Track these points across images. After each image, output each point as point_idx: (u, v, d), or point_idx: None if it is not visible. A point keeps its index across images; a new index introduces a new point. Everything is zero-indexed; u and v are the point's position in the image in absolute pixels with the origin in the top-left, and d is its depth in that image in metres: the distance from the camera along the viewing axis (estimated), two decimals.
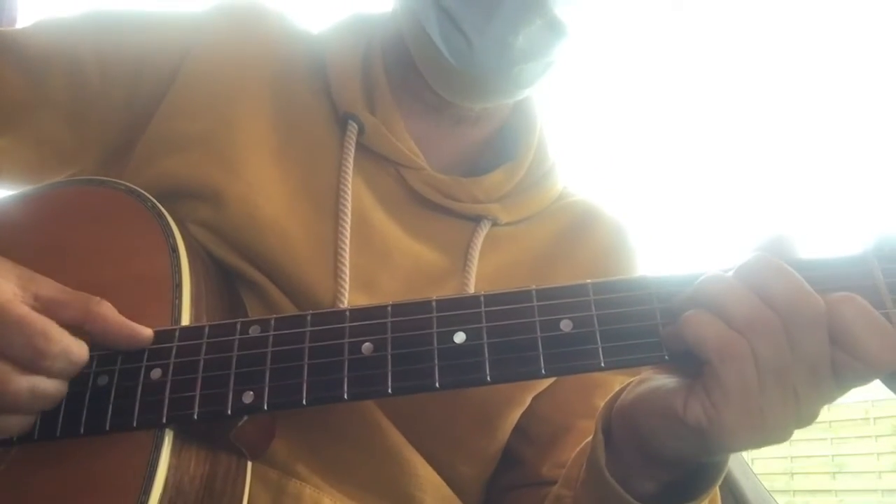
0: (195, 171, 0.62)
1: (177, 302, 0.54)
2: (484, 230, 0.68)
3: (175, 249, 0.57)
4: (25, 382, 0.47)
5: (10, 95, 0.66)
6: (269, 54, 0.71)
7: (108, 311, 0.51)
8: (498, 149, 0.75)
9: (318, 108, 0.69)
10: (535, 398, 0.67)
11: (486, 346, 0.48)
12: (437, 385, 0.47)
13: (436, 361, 0.48)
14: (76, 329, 0.50)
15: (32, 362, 0.47)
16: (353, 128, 0.67)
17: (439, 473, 0.62)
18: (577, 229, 0.73)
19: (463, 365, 0.48)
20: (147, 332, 0.51)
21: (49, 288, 0.51)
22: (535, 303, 0.49)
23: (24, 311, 0.47)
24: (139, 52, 0.68)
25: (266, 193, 0.62)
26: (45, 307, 0.49)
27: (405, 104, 0.70)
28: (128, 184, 0.61)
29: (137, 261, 0.57)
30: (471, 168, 0.73)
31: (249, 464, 0.58)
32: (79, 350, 0.49)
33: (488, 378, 0.47)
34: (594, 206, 0.76)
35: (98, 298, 0.51)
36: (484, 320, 0.49)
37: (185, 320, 0.54)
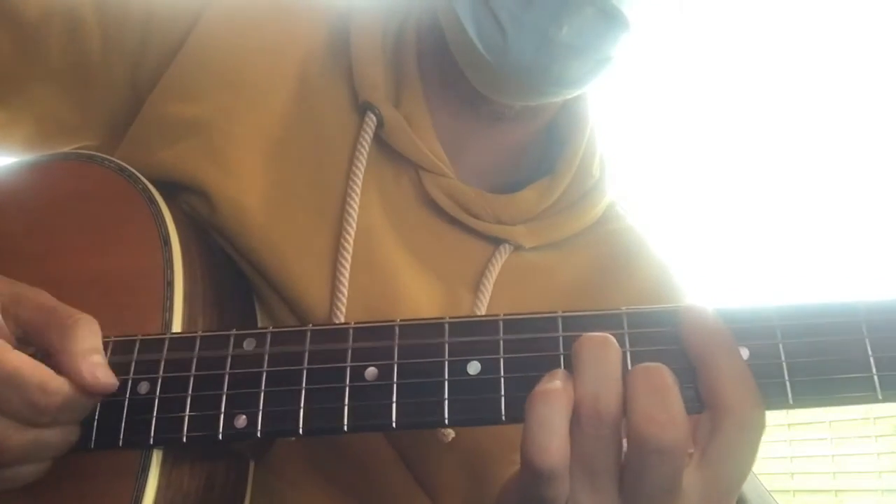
0: (187, 163, 0.56)
1: (168, 302, 0.50)
2: (502, 257, 0.60)
3: (167, 241, 0.52)
4: (28, 436, 0.42)
5: (3, 65, 0.59)
6: (291, 29, 0.62)
7: (80, 347, 0.43)
8: (538, 158, 0.65)
9: (338, 95, 0.61)
10: None
11: (502, 380, 0.43)
12: (446, 422, 0.43)
13: (446, 395, 0.43)
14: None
15: (32, 419, 0.42)
16: (371, 119, 0.59)
17: None
18: (615, 266, 0.63)
19: (476, 401, 0.43)
20: (109, 385, 0.44)
21: (29, 309, 0.45)
22: (560, 333, 0.43)
23: (16, 362, 0.42)
24: (145, 16, 0.61)
25: (260, 196, 0.56)
26: (24, 334, 0.44)
27: (436, 97, 0.61)
28: (118, 161, 0.56)
29: (126, 251, 0.52)
30: (503, 180, 0.64)
31: (252, 464, 0.55)
32: (82, 398, 0.44)
33: (503, 418, 0.42)
34: (637, 239, 0.66)
35: (76, 319, 0.44)
36: (501, 350, 0.43)
37: (177, 323, 0.49)
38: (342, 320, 0.54)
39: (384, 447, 0.56)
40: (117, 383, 0.45)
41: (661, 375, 0.39)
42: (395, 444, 0.56)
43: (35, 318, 0.45)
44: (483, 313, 0.57)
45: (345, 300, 0.54)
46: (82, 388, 0.43)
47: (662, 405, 0.38)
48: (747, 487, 0.90)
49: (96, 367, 0.44)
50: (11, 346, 0.43)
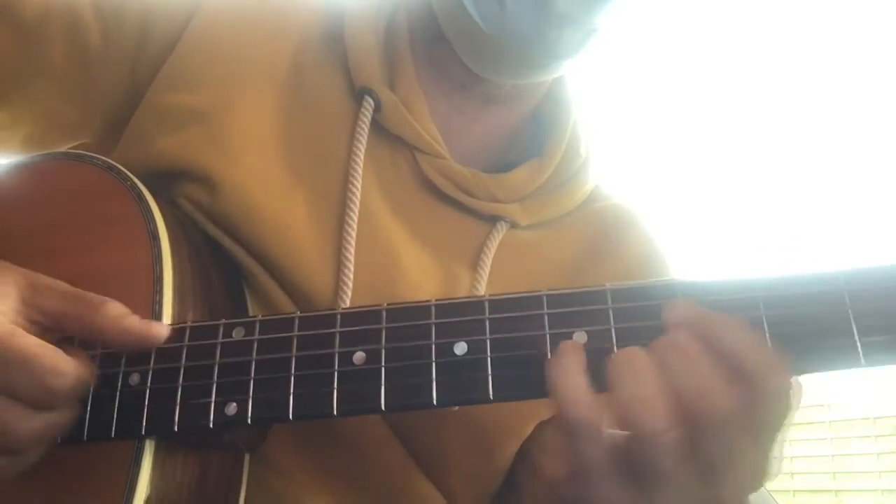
0: (189, 152, 0.57)
1: (157, 297, 0.50)
2: (499, 234, 0.61)
3: (156, 237, 0.52)
4: (41, 421, 0.42)
5: (4, 64, 0.60)
6: (286, 20, 0.64)
7: (116, 313, 0.45)
8: (526, 141, 0.67)
9: (333, 82, 0.62)
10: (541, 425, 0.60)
11: (489, 360, 0.43)
12: (434, 403, 0.43)
13: (433, 376, 0.43)
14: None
15: (45, 403, 0.42)
16: (368, 104, 0.60)
17: (438, 489, 0.58)
18: (604, 241, 0.65)
19: (463, 381, 0.43)
20: (161, 330, 0.46)
21: (54, 298, 0.45)
22: (545, 310, 0.43)
23: (28, 344, 0.42)
24: (143, 11, 0.61)
25: (265, 181, 0.57)
26: (53, 322, 0.45)
27: (429, 82, 0.63)
28: (106, 159, 0.56)
29: (115, 249, 0.53)
30: (495, 162, 0.65)
31: (247, 456, 0.55)
32: (90, 373, 0.44)
33: (491, 397, 0.42)
34: (625, 215, 0.68)
35: (103, 299, 0.45)
36: (488, 330, 0.44)
37: (167, 318, 0.50)
38: (348, 301, 0.54)
39: (381, 429, 0.56)
40: (166, 331, 0.47)
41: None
42: (393, 423, 0.56)
43: (65, 306, 0.45)
44: (482, 290, 0.59)
45: (350, 281, 0.55)
46: (147, 339, 0.45)
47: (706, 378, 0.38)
48: None
49: (146, 325, 0.46)
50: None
